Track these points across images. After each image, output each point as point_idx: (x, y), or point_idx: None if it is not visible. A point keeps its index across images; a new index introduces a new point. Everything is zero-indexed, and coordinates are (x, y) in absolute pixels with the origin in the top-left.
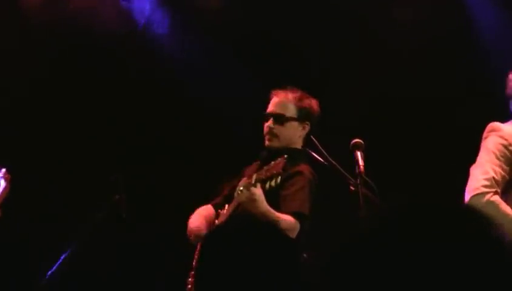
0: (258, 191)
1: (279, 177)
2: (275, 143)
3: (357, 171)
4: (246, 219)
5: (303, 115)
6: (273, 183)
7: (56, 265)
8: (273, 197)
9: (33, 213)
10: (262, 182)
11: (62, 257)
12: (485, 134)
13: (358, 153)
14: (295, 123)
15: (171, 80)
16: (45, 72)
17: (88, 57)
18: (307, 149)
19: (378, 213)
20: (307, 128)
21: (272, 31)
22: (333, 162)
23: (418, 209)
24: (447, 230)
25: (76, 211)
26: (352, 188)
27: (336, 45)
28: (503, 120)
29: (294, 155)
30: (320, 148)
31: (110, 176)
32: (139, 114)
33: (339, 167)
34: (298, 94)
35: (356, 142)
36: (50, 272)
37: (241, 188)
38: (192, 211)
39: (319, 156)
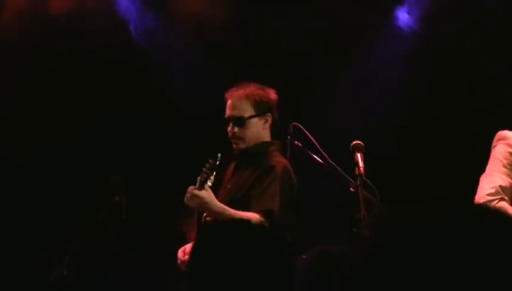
0: (205, 194)
1: (214, 172)
2: (242, 145)
3: (357, 172)
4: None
5: (262, 109)
6: (209, 183)
7: (56, 266)
8: (249, 199)
9: (33, 214)
10: (203, 184)
11: (62, 259)
12: (493, 143)
13: (358, 155)
14: (255, 120)
15: (173, 81)
16: (44, 73)
17: (86, 58)
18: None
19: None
20: (270, 119)
21: (270, 32)
22: (333, 163)
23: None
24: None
25: (76, 212)
26: (352, 189)
27: (334, 47)
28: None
29: (264, 149)
30: (320, 149)
31: (110, 177)
32: (139, 116)
33: (339, 169)
34: (250, 88)
35: (356, 143)
36: (50, 273)
37: (189, 195)
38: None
39: (319, 158)
